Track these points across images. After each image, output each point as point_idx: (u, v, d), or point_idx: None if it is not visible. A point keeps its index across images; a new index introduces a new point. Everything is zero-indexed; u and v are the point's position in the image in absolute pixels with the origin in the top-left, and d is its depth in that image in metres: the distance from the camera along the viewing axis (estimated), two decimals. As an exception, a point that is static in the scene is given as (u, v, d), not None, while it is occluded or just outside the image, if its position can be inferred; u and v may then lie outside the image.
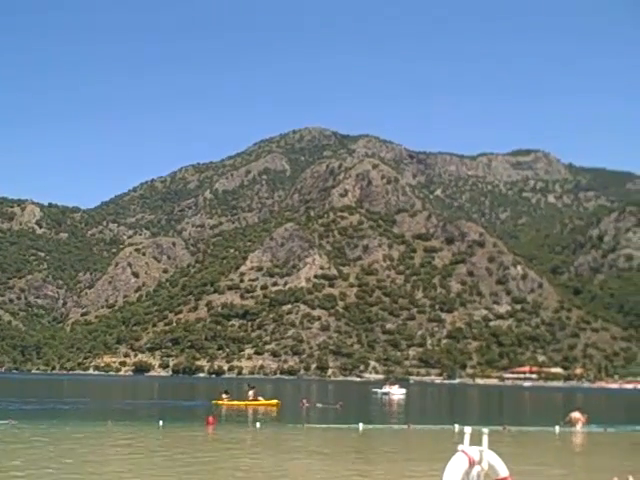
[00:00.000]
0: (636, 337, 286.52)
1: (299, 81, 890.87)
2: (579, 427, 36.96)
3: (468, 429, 10.17)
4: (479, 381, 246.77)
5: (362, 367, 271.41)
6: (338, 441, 29.21)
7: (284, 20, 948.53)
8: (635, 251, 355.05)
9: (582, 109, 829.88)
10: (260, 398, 56.76)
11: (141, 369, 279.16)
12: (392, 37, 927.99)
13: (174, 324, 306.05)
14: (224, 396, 55.97)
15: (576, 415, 38.23)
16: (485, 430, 9.89)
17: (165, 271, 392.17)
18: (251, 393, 56.94)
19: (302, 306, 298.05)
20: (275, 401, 56.07)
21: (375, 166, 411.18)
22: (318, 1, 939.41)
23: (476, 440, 9.77)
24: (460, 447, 10.03)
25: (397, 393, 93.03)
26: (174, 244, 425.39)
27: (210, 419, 34.55)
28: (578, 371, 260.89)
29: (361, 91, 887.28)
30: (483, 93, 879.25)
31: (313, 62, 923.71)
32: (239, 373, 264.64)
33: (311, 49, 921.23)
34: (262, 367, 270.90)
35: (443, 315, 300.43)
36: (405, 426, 36.01)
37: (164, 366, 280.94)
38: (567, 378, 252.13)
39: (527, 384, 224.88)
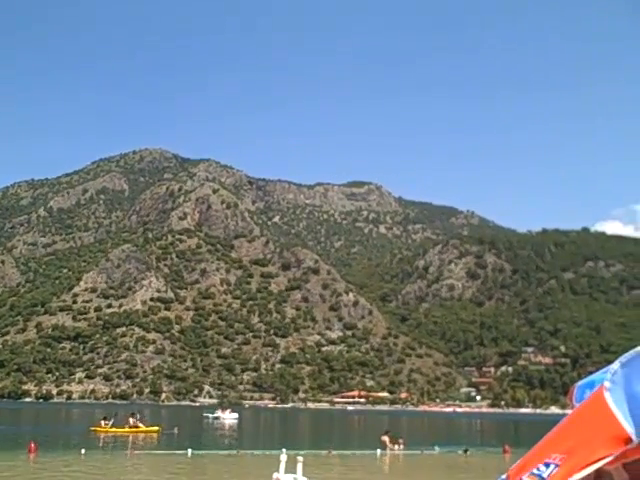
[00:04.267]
0: (456, 363, 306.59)
1: (141, 101, 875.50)
2: (388, 450, 38.46)
3: (284, 457, 11.65)
4: (310, 405, 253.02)
5: (196, 391, 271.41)
6: (164, 467, 29.19)
7: (128, 35, 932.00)
8: (457, 281, 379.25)
9: (410, 145, 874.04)
10: (140, 425, 56.08)
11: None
12: (236, 62, 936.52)
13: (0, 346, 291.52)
14: (103, 423, 55.39)
15: (385, 438, 39.87)
16: (300, 458, 11.88)
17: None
18: (131, 420, 56.30)
19: (137, 329, 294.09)
20: (156, 428, 55.66)
21: (215, 190, 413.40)
22: (160, 18, 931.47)
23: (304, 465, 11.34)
24: (275, 475, 11.40)
25: (229, 418, 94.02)
26: (3, 262, 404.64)
27: (32, 446, 34.16)
28: (403, 395, 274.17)
29: (203, 115, 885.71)
30: (320, 124, 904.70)
31: (155, 82, 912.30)
32: (69, 398, 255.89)
33: (153, 69, 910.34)
34: (93, 391, 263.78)
35: (278, 340, 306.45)
36: (234, 451, 36.61)
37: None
38: (393, 402, 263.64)
39: (350, 408, 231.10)
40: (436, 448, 40.15)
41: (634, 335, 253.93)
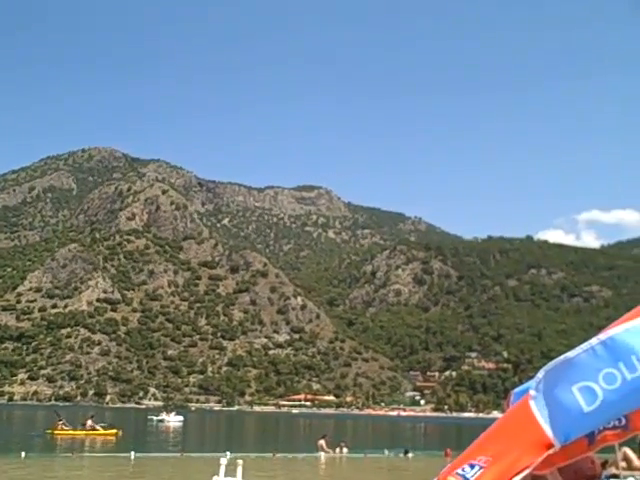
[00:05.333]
0: (401, 367, 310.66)
1: (90, 99, 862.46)
2: (324, 454, 38.46)
3: (224, 460, 11.77)
4: (257, 408, 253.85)
5: (142, 394, 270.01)
6: (106, 470, 29.14)
7: (78, 31, 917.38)
8: (403, 287, 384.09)
9: (360, 150, 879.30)
10: (98, 427, 55.64)
11: None
12: (187, 62, 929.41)
13: None
14: (60, 425, 54.77)
15: (321, 442, 40.02)
16: (239, 461, 11.93)
17: None
18: (89, 422, 55.90)
19: (82, 330, 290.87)
20: (114, 430, 55.37)
21: (164, 191, 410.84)
22: (109, 12, 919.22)
23: (245, 468, 11.35)
24: (214, 478, 11.48)
25: (174, 420, 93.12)
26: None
27: None
28: (349, 399, 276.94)
29: (154, 114, 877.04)
30: (272, 127, 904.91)
31: (106, 81, 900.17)
32: (10, 399, 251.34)
33: (104, 67, 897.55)
34: (36, 393, 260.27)
35: (225, 343, 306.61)
36: (178, 454, 36.51)
37: None
38: (339, 405, 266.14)
39: (295, 411, 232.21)
40: (385, 452, 41.04)
41: (573, 341, 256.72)
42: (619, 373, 4.04)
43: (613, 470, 12.19)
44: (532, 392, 4.15)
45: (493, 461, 3.61)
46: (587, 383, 4.05)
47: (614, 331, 4.18)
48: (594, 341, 4.23)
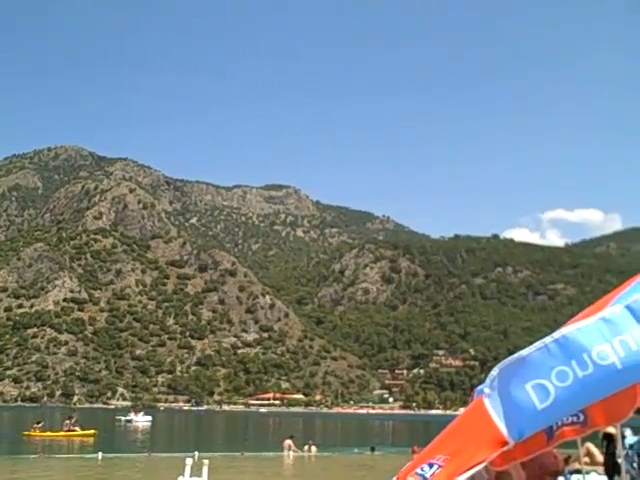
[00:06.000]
0: (370, 365, 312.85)
1: (56, 97, 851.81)
2: (292, 453, 38.73)
3: (189, 460, 11.86)
4: (226, 407, 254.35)
5: (109, 394, 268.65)
6: (72, 471, 28.87)
7: (45, 30, 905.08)
8: (371, 285, 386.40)
9: (329, 148, 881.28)
10: (77, 428, 55.23)
11: None
12: (155, 61, 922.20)
13: None
14: (36, 426, 54.43)
15: (288, 442, 40.34)
16: (205, 461, 12.00)
17: None
18: (67, 423, 55.58)
19: (49, 330, 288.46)
20: (92, 431, 54.98)
21: (132, 190, 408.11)
22: (79, 13, 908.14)
23: (212, 468, 11.70)
24: (180, 479, 11.65)
25: (142, 420, 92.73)
26: None
27: None
28: (318, 397, 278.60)
29: (121, 113, 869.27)
30: (240, 126, 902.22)
31: (73, 78, 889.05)
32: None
33: (71, 65, 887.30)
34: (1, 394, 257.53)
35: (193, 342, 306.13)
36: (145, 454, 36.25)
37: None
38: (308, 404, 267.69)
39: (262, 410, 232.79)
40: (355, 450, 41.64)
41: (538, 339, 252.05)
42: (571, 371, 4.12)
43: (576, 465, 13.48)
44: (486, 390, 4.22)
45: (450, 459, 3.66)
46: (540, 381, 4.12)
47: (567, 330, 4.32)
48: (548, 339, 4.36)
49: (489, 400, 4.14)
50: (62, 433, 54.10)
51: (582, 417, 5.08)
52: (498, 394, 4.13)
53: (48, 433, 53.93)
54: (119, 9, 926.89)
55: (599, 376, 3.98)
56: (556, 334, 4.34)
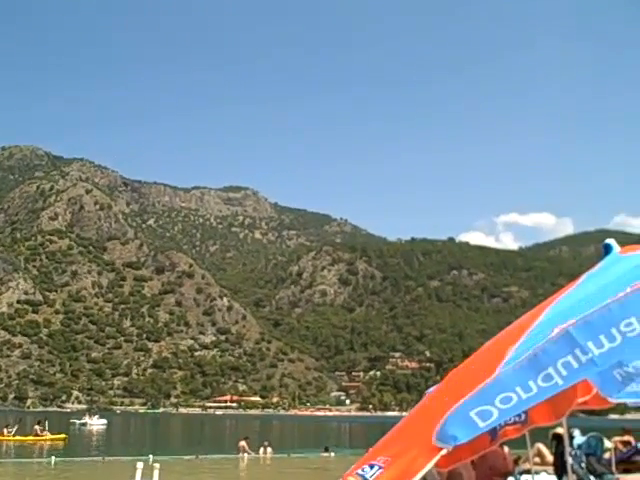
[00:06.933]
0: (327, 368, 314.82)
1: (11, 95, 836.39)
2: (246, 455, 38.80)
3: (140, 464, 11.88)
4: (182, 410, 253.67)
5: (64, 397, 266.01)
6: (24, 476, 28.42)
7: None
8: (329, 287, 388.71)
9: (287, 151, 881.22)
10: (46, 433, 54.74)
11: None
12: (109, 59, 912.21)
13: None
14: (5, 431, 53.98)
15: (242, 444, 40.41)
16: (156, 465, 12.14)
17: None
18: (37, 427, 55.24)
19: (2, 332, 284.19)
20: (63, 435, 55.01)
21: (88, 191, 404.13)
22: (32, 9, 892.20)
23: (166, 471, 11.75)
24: None
25: (97, 424, 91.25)
26: None
27: None
28: (275, 400, 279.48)
29: (78, 112, 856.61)
30: (198, 126, 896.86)
31: (28, 78, 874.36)
32: None
33: (25, 64, 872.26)
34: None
35: (150, 344, 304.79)
36: (99, 458, 35.88)
37: None
38: (265, 406, 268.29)
39: (219, 412, 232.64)
40: (310, 451, 42.12)
41: None
42: (515, 395, 3.89)
43: (526, 466, 14.28)
44: (430, 392, 4.44)
45: (392, 461, 3.61)
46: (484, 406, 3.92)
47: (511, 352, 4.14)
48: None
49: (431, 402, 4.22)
50: (31, 438, 53.79)
51: (523, 416, 5.27)
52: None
53: (17, 438, 53.40)
54: (65, 5, 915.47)
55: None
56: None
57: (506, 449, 14.50)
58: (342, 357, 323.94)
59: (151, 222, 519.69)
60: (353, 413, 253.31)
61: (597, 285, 4.17)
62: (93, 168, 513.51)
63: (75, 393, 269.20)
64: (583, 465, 15.35)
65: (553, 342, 3.75)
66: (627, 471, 17.10)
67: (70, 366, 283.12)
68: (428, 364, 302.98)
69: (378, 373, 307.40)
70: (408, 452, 3.66)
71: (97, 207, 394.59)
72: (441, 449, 3.44)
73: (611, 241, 4.55)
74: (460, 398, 3.73)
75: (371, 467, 3.73)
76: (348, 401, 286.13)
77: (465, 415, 3.66)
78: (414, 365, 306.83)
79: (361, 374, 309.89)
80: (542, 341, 3.85)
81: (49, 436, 54.18)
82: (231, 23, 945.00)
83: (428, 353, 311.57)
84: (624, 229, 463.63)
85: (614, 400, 4.34)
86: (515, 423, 5.38)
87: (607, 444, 17.46)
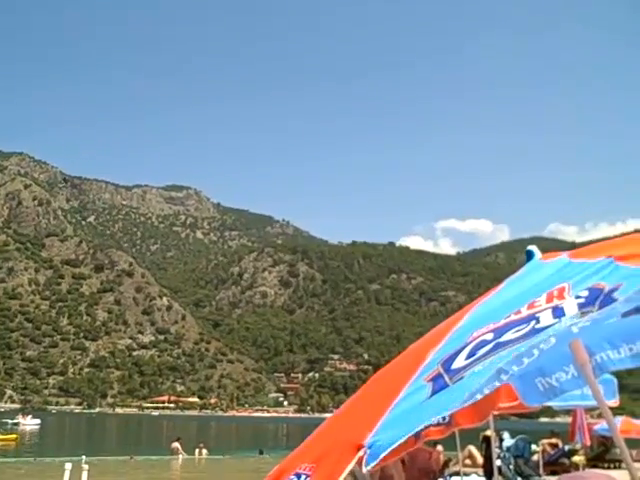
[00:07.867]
0: (266, 369, 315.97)
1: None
2: (180, 456, 38.42)
3: (68, 465, 11.74)
4: (119, 410, 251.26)
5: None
6: None
7: None
8: (269, 289, 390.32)
9: (230, 151, 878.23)
10: None
11: None
12: (55, 51, 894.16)
13: None
14: None
15: (175, 445, 40.18)
16: (85, 466, 12.07)
17: None
18: None
19: None
20: (14, 436, 54.91)
21: (27, 186, 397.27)
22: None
23: (99, 472, 11.76)
24: None
25: (30, 424, 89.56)
26: None
27: None
28: (213, 400, 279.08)
29: (17, 106, 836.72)
30: (141, 124, 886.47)
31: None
32: None
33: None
34: None
35: (87, 343, 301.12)
36: (31, 459, 35.14)
37: None
38: (203, 407, 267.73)
39: (155, 413, 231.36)
40: (246, 453, 42.90)
41: None
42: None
43: (457, 468, 14.80)
44: (353, 396, 4.31)
45: (316, 467, 3.48)
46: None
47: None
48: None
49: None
50: None
51: (447, 418, 5.21)
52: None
53: None
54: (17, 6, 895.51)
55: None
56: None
57: (440, 447, 15.75)
58: (281, 358, 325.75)
59: (91, 219, 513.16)
60: (291, 414, 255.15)
61: (515, 291, 4.10)
62: (32, 163, 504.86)
63: (9, 392, 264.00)
64: (511, 467, 16.26)
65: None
66: (554, 473, 17.54)
67: (4, 364, 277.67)
68: (366, 366, 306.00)
69: (316, 375, 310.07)
70: (330, 455, 3.49)
71: (35, 203, 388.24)
72: (359, 449, 3.20)
73: (533, 247, 4.44)
74: (382, 401, 3.52)
75: (298, 477, 3.51)
76: (286, 402, 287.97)
77: (392, 421, 3.42)
78: (352, 367, 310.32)
79: (300, 376, 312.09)
80: (459, 345, 3.68)
81: (0, 436, 53.70)
82: (162, 28, 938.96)
83: (366, 356, 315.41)
84: (556, 236, 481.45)
85: (537, 404, 4.24)
86: (439, 424, 5.36)
87: (534, 447, 18.71)
